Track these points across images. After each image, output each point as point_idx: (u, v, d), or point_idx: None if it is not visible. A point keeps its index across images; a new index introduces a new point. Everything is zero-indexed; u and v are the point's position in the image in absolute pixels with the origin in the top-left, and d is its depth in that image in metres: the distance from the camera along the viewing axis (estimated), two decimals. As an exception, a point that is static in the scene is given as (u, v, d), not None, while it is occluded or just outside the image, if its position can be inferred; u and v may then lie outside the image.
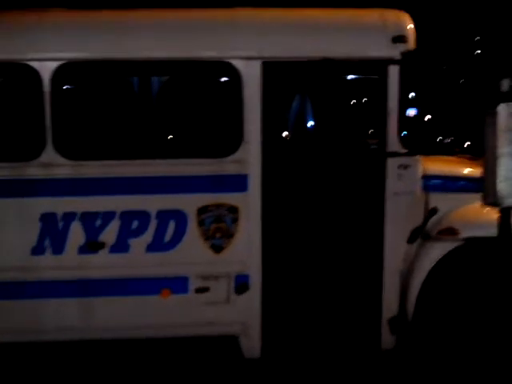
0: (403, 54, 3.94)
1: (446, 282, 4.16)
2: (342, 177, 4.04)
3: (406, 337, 4.20)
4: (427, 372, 4.16)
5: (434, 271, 4.15)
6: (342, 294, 4.15)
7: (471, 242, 4.15)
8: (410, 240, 4.24)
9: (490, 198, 3.22)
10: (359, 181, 4.06)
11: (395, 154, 3.99)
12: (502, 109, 3.11)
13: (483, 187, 3.36)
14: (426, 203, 4.24)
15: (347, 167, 4.04)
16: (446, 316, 4.17)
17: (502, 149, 3.13)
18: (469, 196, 4.34)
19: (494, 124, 3.16)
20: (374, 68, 3.95)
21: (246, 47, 3.85)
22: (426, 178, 4.24)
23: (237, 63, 3.84)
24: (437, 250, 4.16)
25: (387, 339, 4.16)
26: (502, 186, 3.16)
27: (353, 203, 4.08)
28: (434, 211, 4.26)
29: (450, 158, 4.60)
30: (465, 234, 4.16)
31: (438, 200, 4.24)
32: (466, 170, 4.43)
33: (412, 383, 4.13)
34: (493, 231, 4.09)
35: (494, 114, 3.16)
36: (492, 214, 4.21)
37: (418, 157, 4.09)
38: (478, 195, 4.29)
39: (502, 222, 3.25)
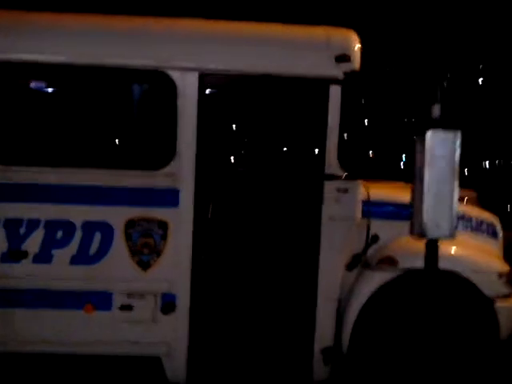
0: (346, 73, 3.83)
1: (383, 312, 4.01)
2: (277, 196, 3.91)
3: (341, 368, 4.04)
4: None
5: (372, 301, 3.99)
6: (274, 319, 3.98)
7: (411, 272, 4.02)
8: (349, 267, 4.08)
9: (416, 229, 3.07)
10: (295, 202, 3.92)
11: (333, 177, 3.87)
12: (431, 135, 2.98)
13: (411, 217, 3.23)
14: (367, 230, 4.10)
15: (283, 187, 3.91)
16: (381, 347, 4.02)
17: (428, 176, 2.99)
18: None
19: (423, 151, 3.03)
20: (315, 87, 3.83)
21: (184, 58, 3.74)
22: (368, 203, 4.10)
23: (173, 73, 3.71)
24: (375, 280, 3.99)
25: (320, 370, 3.97)
26: (427, 216, 3.02)
27: (288, 225, 3.94)
28: (375, 238, 4.11)
29: (397, 184, 4.46)
30: (404, 264, 4.01)
31: (379, 227, 4.09)
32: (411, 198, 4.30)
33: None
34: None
35: (423, 141, 3.04)
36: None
37: (358, 181, 3.95)
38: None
39: (428, 254, 3.10)
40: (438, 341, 4.02)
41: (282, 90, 3.86)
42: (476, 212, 4.59)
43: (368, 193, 4.11)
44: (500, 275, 4.17)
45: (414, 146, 3.15)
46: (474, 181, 20.47)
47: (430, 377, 3.99)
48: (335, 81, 3.78)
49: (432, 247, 3.09)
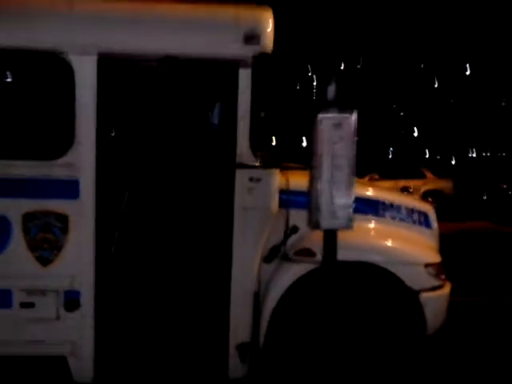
0: (256, 56, 3.62)
1: (301, 305, 3.82)
2: (185, 187, 3.72)
3: (258, 365, 3.87)
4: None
5: (289, 294, 3.81)
6: (186, 315, 3.79)
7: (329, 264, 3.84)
8: (268, 259, 3.89)
9: (312, 219, 2.88)
10: (205, 193, 3.72)
11: (245, 166, 3.67)
12: (323, 118, 2.78)
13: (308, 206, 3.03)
14: (286, 221, 3.91)
15: (193, 177, 3.71)
16: (299, 342, 3.84)
17: (323, 163, 2.79)
18: (334, 215, 4.04)
19: (316, 135, 2.83)
20: (223, 69, 3.62)
21: (81, 39, 3.50)
22: (287, 193, 3.90)
23: (70, 56, 3.48)
24: (291, 272, 3.80)
25: (236, 367, 3.79)
26: (322, 205, 2.82)
27: (199, 216, 3.75)
28: (295, 229, 3.91)
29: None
30: (321, 256, 3.84)
31: (299, 217, 3.86)
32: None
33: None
34: (351, 254, 3.80)
35: (316, 124, 2.84)
36: (352, 236, 3.91)
37: (273, 169, 3.74)
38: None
39: (326, 245, 2.91)
40: (360, 335, 3.88)
41: (189, 73, 3.65)
42: (408, 201, 4.41)
43: (287, 181, 3.92)
44: (426, 266, 4.00)
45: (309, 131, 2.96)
46: (457, 170, 20.42)
47: (351, 372, 3.85)
48: (244, 63, 3.57)
49: (329, 238, 2.89)
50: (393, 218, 4.18)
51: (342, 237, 3.89)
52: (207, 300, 3.76)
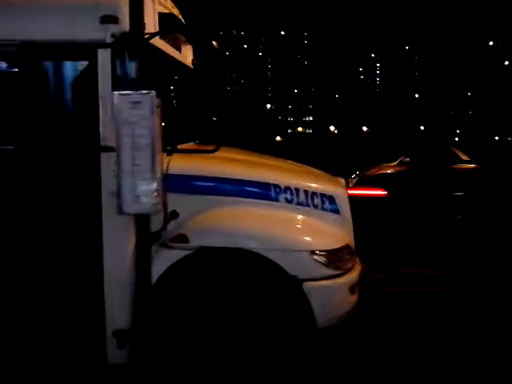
0: (116, 35, 3.50)
1: (174, 294, 3.68)
2: (53, 173, 3.66)
3: (138, 350, 3.77)
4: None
5: (162, 280, 3.69)
6: (58, 301, 3.73)
7: (203, 251, 3.67)
8: (147, 245, 3.80)
9: (116, 204, 2.74)
10: (72, 179, 3.64)
11: (109, 149, 3.56)
12: (119, 97, 2.63)
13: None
14: (165, 205, 3.78)
15: (58, 163, 3.65)
16: (172, 329, 3.70)
17: (123, 144, 2.65)
18: (215, 199, 3.85)
19: (114, 115, 2.69)
20: (82, 52, 3.52)
21: None
22: (167, 177, 3.76)
23: None
24: (165, 258, 3.67)
25: (114, 353, 3.72)
26: (125, 189, 2.68)
27: (67, 203, 3.69)
28: (175, 215, 3.78)
29: (211, 155, 4.03)
30: (195, 242, 3.67)
31: (178, 202, 3.74)
32: (217, 169, 3.89)
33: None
34: (226, 240, 3.63)
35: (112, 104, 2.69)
36: (226, 221, 3.73)
37: (141, 153, 3.63)
38: (227, 198, 3.83)
39: (138, 232, 2.76)
40: (238, 323, 3.69)
41: (50, 57, 3.60)
42: (312, 184, 4.08)
43: (168, 165, 3.78)
44: (314, 253, 3.72)
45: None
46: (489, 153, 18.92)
47: (232, 363, 3.69)
48: (102, 44, 3.47)
49: (140, 224, 2.75)
50: (288, 202, 3.93)
51: (215, 221, 3.77)
52: (80, 288, 3.71)
